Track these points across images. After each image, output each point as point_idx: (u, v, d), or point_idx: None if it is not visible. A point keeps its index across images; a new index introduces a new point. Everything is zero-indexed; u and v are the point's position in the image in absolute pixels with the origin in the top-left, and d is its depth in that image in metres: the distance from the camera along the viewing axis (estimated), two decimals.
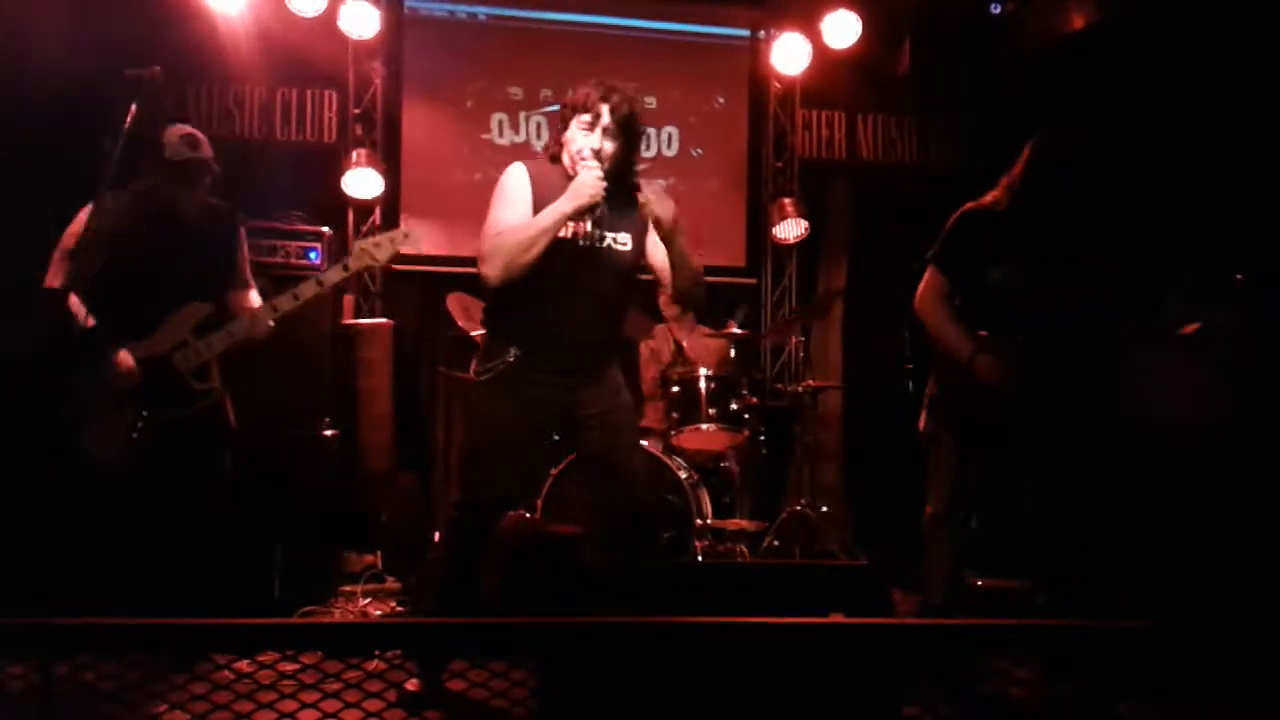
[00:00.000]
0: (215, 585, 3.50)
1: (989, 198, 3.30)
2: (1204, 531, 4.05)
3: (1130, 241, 3.25)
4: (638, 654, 2.08)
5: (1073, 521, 3.20)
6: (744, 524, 5.09)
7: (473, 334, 4.89)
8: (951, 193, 3.59)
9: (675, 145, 6.39)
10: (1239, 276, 3.69)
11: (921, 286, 3.35)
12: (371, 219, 5.94)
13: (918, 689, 2.44)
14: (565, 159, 3.10)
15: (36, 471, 3.55)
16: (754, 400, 5.11)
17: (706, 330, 5.51)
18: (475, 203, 5.82)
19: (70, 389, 3.44)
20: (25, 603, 3.17)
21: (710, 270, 5.99)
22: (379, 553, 4.94)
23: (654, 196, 2.99)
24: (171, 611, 3.12)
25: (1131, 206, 3.36)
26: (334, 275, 3.61)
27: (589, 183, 2.95)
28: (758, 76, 6.49)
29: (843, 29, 5.99)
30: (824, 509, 5.34)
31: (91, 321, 3.34)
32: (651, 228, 3.09)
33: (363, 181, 5.76)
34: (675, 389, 5.00)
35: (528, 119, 6.22)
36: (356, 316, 5.67)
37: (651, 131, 6.35)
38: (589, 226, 3.03)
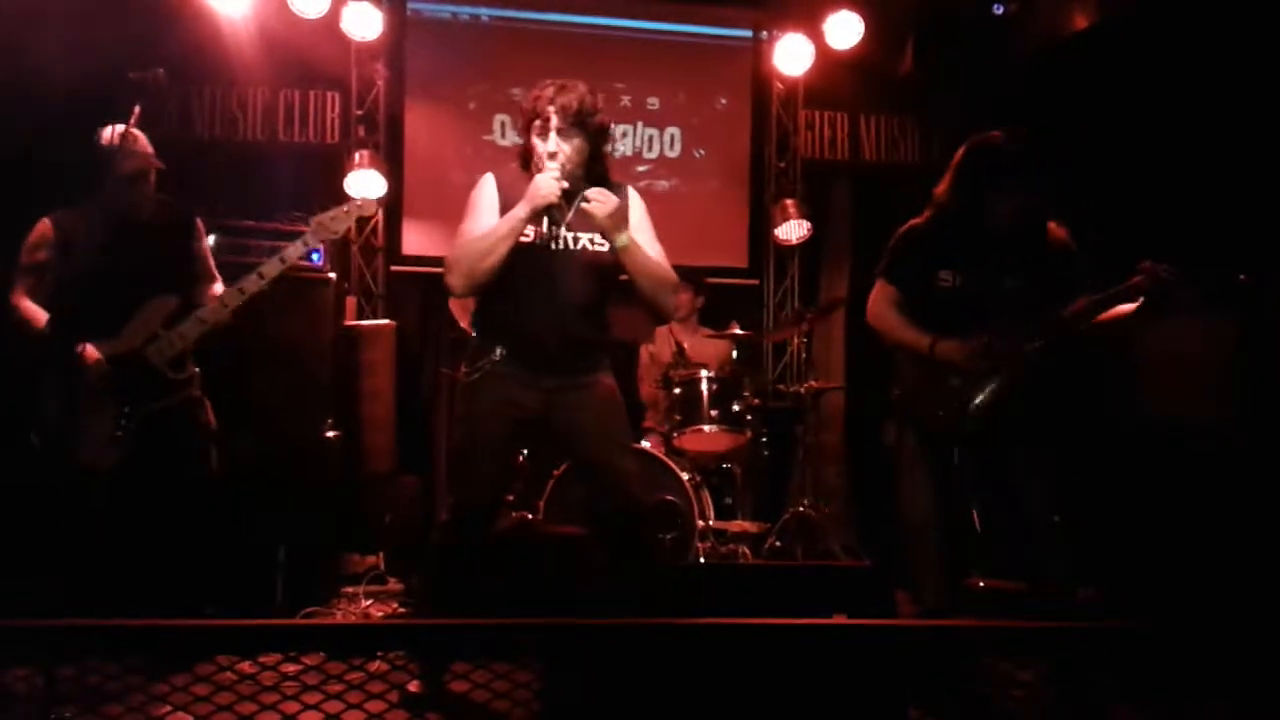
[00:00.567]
0: (218, 586, 3.50)
1: (924, 215, 3.36)
2: (1203, 530, 4.06)
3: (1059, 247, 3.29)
4: (640, 655, 2.08)
5: (1057, 497, 3.20)
6: (746, 525, 5.09)
7: (472, 335, 4.90)
8: None
9: (678, 146, 6.39)
10: (1242, 276, 3.68)
11: (872, 299, 3.42)
12: (374, 220, 5.95)
13: (921, 690, 2.44)
14: (533, 164, 3.11)
15: (34, 474, 3.55)
16: (756, 401, 5.11)
17: (708, 331, 5.51)
18: None
19: (42, 392, 3.44)
20: (27, 604, 3.18)
21: (712, 271, 6.09)
22: (381, 554, 4.95)
23: (599, 196, 2.98)
24: (174, 612, 3.13)
25: (1075, 208, 3.40)
26: (295, 251, 3.65)
27: (543, 185, 2.96)
28: (760, 77, 6.49)
29: (845, 30, 5.99)
30: (826, 510, 5.34)
31: (49, 325, 3.36)
32: (637, 225, 3.11)
33: (365, 183, 5.76)
34: (677, 390, 5.00)
35: None
36: (359, 318, 5.68)
37: (654, 132, 6.35)
38: (550, 228, 3.02)
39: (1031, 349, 3.19)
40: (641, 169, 6.31)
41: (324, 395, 4.70)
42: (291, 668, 2.12)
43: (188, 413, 3.60)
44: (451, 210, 5.99)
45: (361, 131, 5.96)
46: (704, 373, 4.96)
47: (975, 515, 3.71)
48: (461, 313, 5.00)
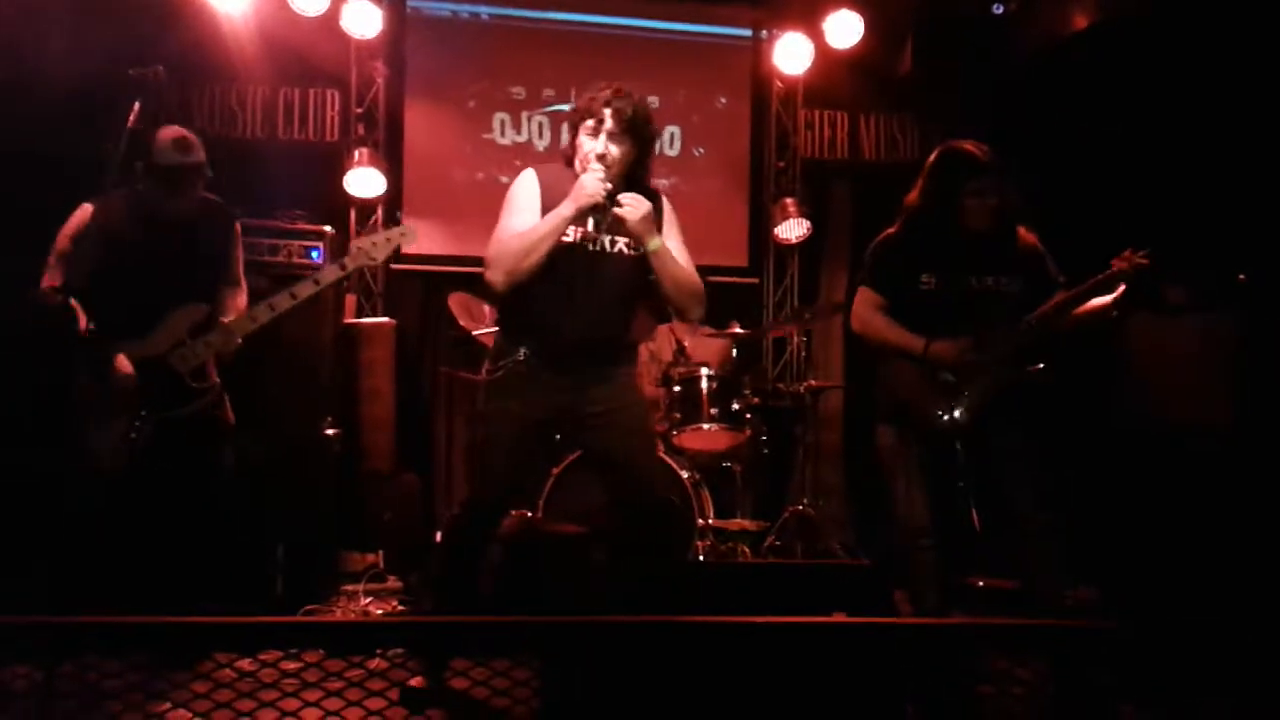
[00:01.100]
0: (218, 584, 3.50)
1: (897, 224, 3.43)
2: (1201, 529, 4.06)
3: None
4: (640, 653, 2.08)
5: (1051, 495, 3.22)
6: (746, 524, 5.09)
7: (475, 333, 4.90)
8: None
9: (677, 145, 6.39)
10: (1241, 276, 3.70)
11: (856, 306, 3.46)
12: (374, 218, 5.95)
13: (920, 687, 2.44)
14: (577, 163, 3.10)
15: (38, 472, 3.55)
16: (756, 400, 5.11)
17: (708, 330, 5.51)
18: (477, 202, 5.90)
19: (68, 391, 3.44)
20: (29, 603, 3.18)
21: (712, 270, 6.01)
22: (380, 552, 4.94)
23: (631, 202, 2.98)
24: (174, 610, 3.14)
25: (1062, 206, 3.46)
26: (331, 274, 3.61)
27: (589, 185, 2.94)
28: (760, 76, 6.49)
29: (845, 29, 5.99)
30: (826, 509, 5.34)
31: (88, 324, 3.34)
32: (667, 231, 3.10)
33: (365, 181, 5.77)
34: (677, 389, 5.00)
35: (529, 119, 6.22)
36: (358, 316, 5.68)
37: None
38: (593, 229, 3.02)
39: (1020, 345, 3.24)
40: (648, 172, 6.30)
41: (323, 393, 4.71)
42: (291, 665, 2.12)
43: (203, 419, 3.56)
44: (451, 208, 6.05)
45: (361, 129, 5.96)
46: (704, 371, 4.96)
47: (974, 515, 3.71)
48: (462, 311, 5.01)
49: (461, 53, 6.18)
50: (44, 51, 4.60)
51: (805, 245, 6.42)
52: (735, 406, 4.98)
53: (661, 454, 4.74)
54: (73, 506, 3.33)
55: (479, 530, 3.18)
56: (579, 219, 2.98)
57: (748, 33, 6.48)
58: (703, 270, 3.18)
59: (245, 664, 2.32)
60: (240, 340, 3.53)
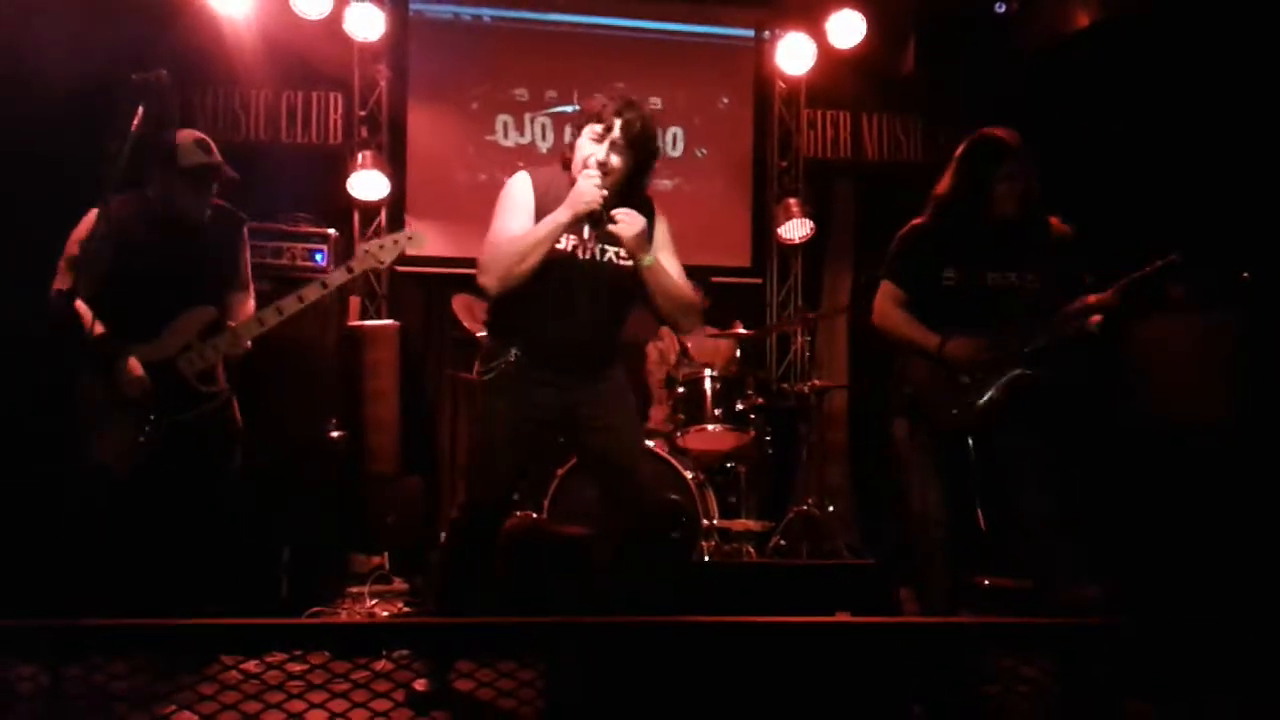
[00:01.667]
0: (223, 586, 3.50)
1: (926, 214, 3.40)
2: (1204, 527, 4.05)
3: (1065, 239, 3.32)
4: (645, 653, 2.08)
5: (1064, 494, 3.21)
6: (750, 524, 5.10)
7: (478, 335, 4.89)
8: None
9: (680, 146, 6.39)
10: (1243, 274, 3.69)
11: (878, 300, 3.44)
12: (377, 220, 5.96)
13: (925, 686, 2.44)
14: (575, 165, 3.08)
15: (45, 475, 3.56)
16: (760, 400, 5.11)
17: (712, 330, 5.51)
18: (480, 204, 5.84)
19: (77, 394, 3.44)
20: (34, 605, 3.18)
21: (715, 270, 6.09)
22: (386, 554, 4.95)
23: (625, 217, 2.97)
24: (180, 612, 3.14)
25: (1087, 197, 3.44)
26: (338, 277, 3.61)
27: (586, 190, 2.93)
28: (762, 76, 6.49)
29: (847, 29, 5.99)
30: (830, 509, 5.34)
31: (100, 329, 3.34)
32: (660, 244, 3.10)
33: (368, 183, 5.77)
34: (681, 389, 5.00)
35: (532, 120, 6.23)
36: (362, 318, 5.68)
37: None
38: (587, 236, 3.01)
39: (1037, 347, 3.22)
40: (646, 187, 6.30)
41: (328, 395, 4.72)
42: (297, 667, 2.12)
43: (211, 422, 3.56)
44: (454, 210, 6.05)
45: (364, 132, 5.96)
46: (708, 372, 4.97)
47: (980, 514, 3.71)
48: (465, 313, 5.01)
49: (464, 55, 6.19)
50: (44, 52, 4.60)
51: (808, 245, 6.42)
52: (739, 407, 4.98)
53: (666, 455, 4.75)
54: (75, 508, 3.33)
55: (480, 531, 3.18)
56: (574, 225, 2.98)
57: (750, 33, 6.48)
58: (706, 271, 3.19)
59: (251, 665, 2.32)
60: (249, 344, 3.53)
